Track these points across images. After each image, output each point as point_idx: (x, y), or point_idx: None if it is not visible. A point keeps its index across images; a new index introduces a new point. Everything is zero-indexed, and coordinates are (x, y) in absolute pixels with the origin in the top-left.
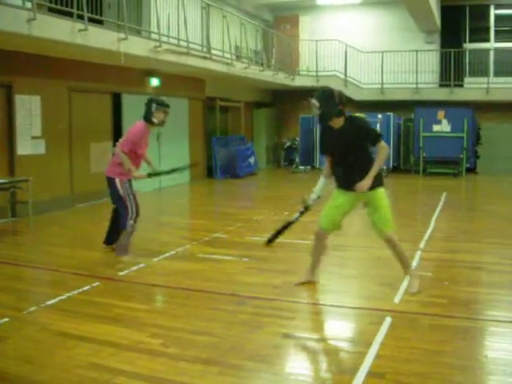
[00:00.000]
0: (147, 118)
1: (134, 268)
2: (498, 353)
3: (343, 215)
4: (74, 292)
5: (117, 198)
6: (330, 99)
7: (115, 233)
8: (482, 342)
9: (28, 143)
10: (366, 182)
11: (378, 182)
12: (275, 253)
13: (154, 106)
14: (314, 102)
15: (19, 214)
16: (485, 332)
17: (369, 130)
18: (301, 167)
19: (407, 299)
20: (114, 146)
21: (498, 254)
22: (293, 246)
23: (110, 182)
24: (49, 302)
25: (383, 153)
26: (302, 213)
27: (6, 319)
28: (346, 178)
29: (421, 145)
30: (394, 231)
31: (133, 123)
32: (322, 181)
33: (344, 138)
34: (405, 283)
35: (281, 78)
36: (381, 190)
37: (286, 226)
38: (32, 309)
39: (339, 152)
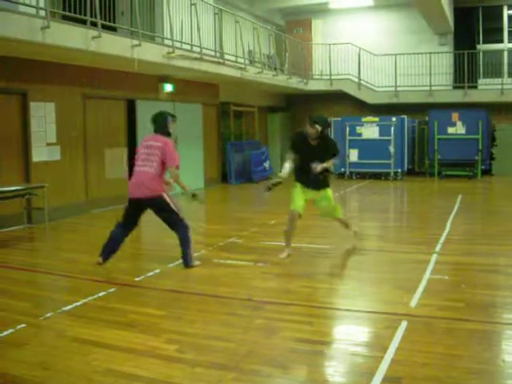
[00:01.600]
0: (167, 132)
1: (150, 274)
2: None
3: (304, 202)
4: (90, 298)
5: (169, 214)
6: (327, 124)
7: (113, 250)
8: (499, 345)
9: (43, 150)
10: (320, 166)
11: (325, 185)
12: (290, 257)
13: (169, 118)
14: (318, 127)
15: (35, 220)
16: (502, 336)
17: (336, 149)
18: None
19: (423, 303)
20: (133, 153)
21: None
22: (306, 250)
23: (157, 200)
24: (65, 308)
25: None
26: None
27: (23, 325)
28: (307, 178)
29: (436, 147)
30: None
31: (145, 128)
32: (288, 166)
33: (315, 151)
34: (421, 287)
35: (294, 83)
36: (329, 189)
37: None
38: (48, 315)
39: (306, 159)
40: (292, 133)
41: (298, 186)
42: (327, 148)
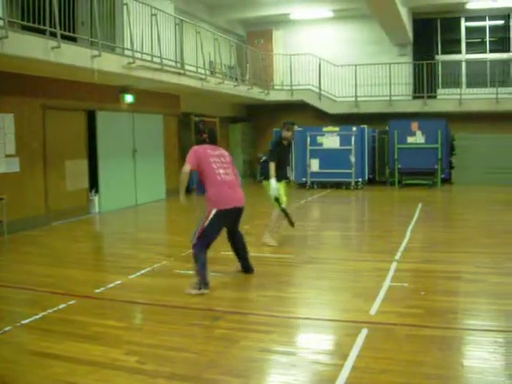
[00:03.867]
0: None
1: (111, 285)
2: (474, 361)
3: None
4: (50, 311)
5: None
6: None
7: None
8: (458, 351)
9: (2, 162)
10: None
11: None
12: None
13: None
14: (295, 128)
15: None
16: (461, 341)
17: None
18: None
19: (383, 310)
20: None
21: (473, 264)
22: (267, 259)
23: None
24: (24, 322)
25: None
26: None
27: None
28: (284, 174)
29: (396, 156)
30: None
31: (105, 139)
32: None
33: (288, 151)
34: (381, 295)
35: (255, 93)
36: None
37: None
38: (7, 328)
39: (284, 159)
40: (253, 143)
41: (280, 184)
42: (290, 146)
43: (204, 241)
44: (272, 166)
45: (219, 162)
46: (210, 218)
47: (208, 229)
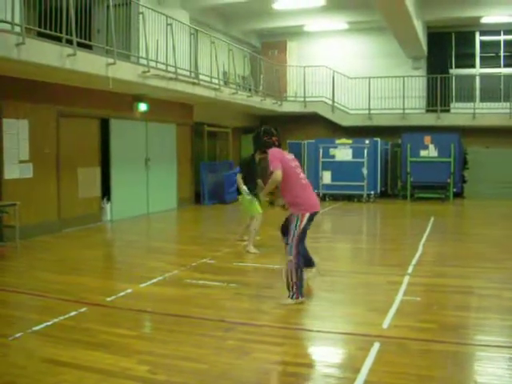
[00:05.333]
0: None
1: (122, 293)
2: (488, 378)
3: None
4: (61, 318)
5: None
6: None
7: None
8: (471, 366)
9: (15, 167)
10: None
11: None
12: (262, 278)
13: None
14: None
15: (6, 238)
16: (474, 357)
17: None
18: None
19: (396, 324)
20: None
21: (486, 279)
22: (278, 272)
23: None
24: (35, 328)
25: None
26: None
27: None
28: (253, 188)
29: (408, 170)
30: None
31: (119, 148)
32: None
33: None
34: (393, 309)
35: (268, 104)
36: None
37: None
38: (18, 335)
39: (255, 174)
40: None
41: (249, 197)
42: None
43: (300, 247)
44: (239, 178)
45: (296, 166)
46: (303, 224)
47: (302, 233)
